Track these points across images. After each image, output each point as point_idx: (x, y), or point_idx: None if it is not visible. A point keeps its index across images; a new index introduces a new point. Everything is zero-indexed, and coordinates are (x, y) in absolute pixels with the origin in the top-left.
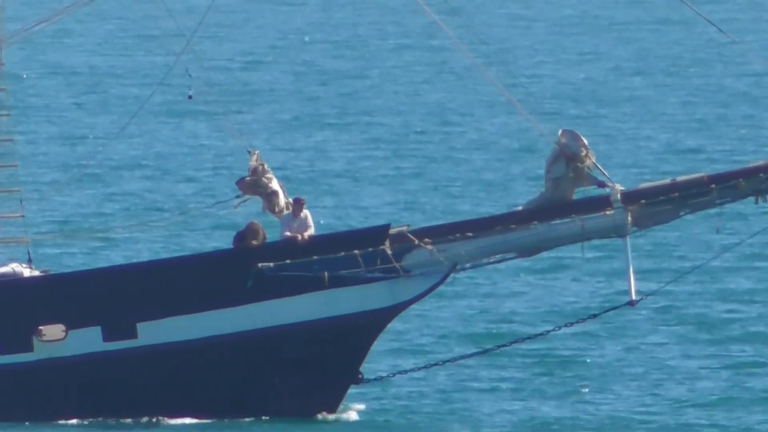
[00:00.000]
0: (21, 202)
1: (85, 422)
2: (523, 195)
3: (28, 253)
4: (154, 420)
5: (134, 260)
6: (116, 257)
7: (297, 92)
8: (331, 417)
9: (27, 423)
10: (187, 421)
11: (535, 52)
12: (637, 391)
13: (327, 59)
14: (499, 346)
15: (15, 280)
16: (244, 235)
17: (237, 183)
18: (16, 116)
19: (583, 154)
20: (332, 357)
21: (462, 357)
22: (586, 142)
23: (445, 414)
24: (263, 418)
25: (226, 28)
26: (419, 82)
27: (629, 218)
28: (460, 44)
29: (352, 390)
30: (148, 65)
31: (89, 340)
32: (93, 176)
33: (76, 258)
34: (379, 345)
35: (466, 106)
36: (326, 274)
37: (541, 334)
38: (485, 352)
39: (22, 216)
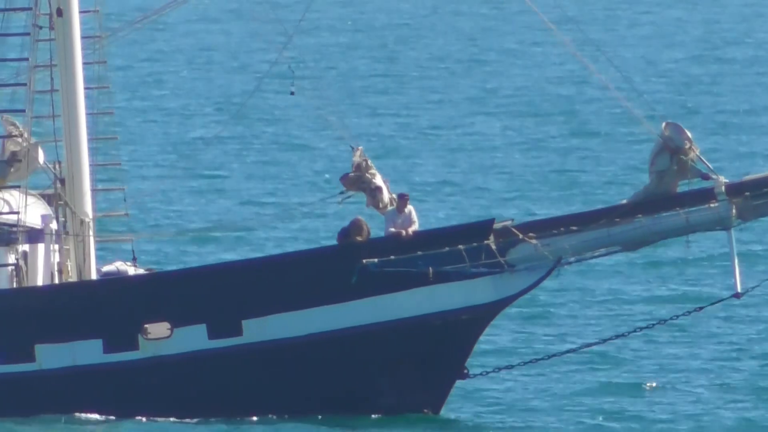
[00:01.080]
0: (125, 201)
1: (190, 420)
2: (626, 188)
3: (133, 251)
4: (253, 417)
5: (239, 258)
6: (220, 255)
7: (401, 87)
8: (438, 413)
9: (132, 421)
10: (278, 418)
11: (637, 42)
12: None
13: (429, 52)
14: (604, 340)
15: (120, 278)
16: (349, 232)
17: (341, 179)
18: (119, 115)
19: (687, 146)
20: (437, 353)
21: (568, 351)
22: (689, 134)
23: (551, 409)
24: (369, 415)
25: (327, 22)
26: (513, 74)
27: (734, 211)
28: (559, 34)
29: (458, 385)
30: (250, 62)
31: (194, 337)
32: (196, 174)
33: (181, 256)
34: (483, 340)
35: (564, 96)
36: (431, 269)
37: (646, 328)
38: (590, 345)
39: (127, 214)
